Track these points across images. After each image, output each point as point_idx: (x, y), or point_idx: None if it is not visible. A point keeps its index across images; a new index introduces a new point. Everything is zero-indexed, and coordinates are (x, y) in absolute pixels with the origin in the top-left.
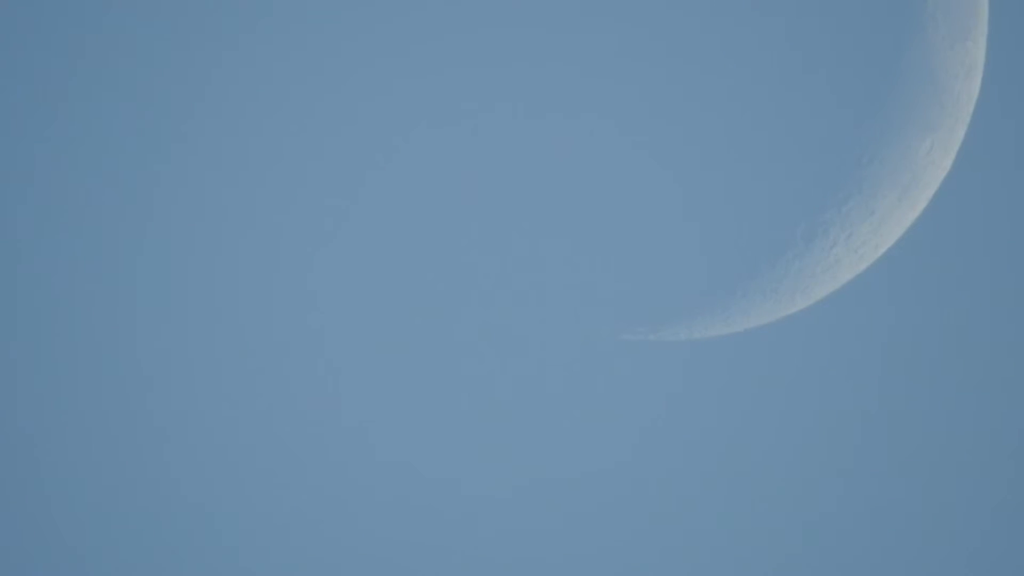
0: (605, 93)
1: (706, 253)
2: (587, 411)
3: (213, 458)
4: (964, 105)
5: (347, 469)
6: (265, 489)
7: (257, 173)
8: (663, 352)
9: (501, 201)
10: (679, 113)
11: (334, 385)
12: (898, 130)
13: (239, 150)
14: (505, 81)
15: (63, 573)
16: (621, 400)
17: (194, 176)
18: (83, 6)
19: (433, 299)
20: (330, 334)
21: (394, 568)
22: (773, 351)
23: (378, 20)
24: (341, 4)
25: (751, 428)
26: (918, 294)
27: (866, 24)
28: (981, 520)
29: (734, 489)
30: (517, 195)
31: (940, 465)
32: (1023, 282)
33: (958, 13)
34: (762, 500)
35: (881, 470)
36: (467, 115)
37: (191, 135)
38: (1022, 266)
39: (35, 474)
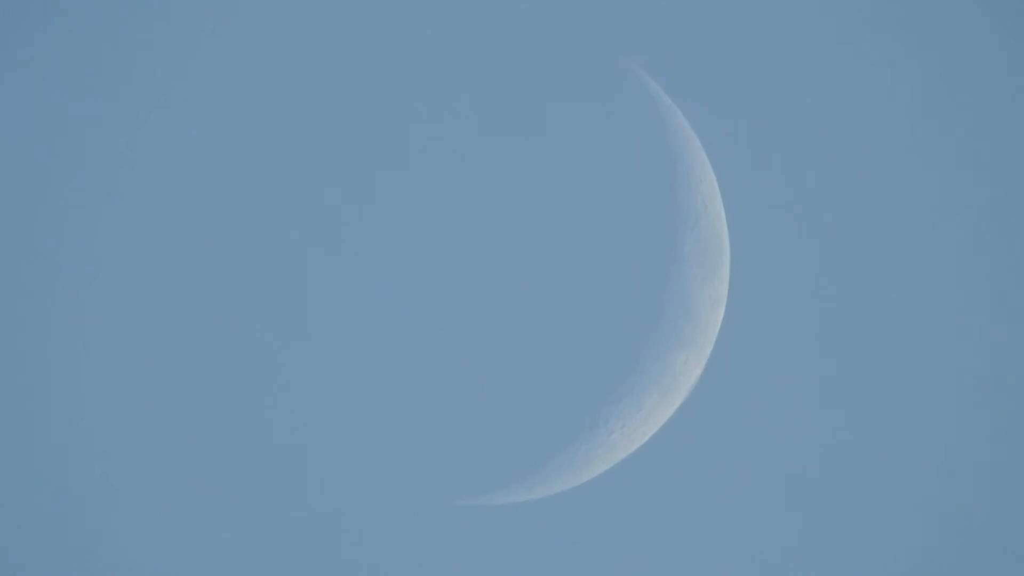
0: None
1: (517, 438)
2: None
3: (212, 459)
4: (711, 328)
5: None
6: (255, 493)
7: (250, 172)
8: (479, 515)
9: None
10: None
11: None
12: (661, 347)
13: (235, 149)
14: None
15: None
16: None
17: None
18: (84, 6)
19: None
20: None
21: None
22: (565, 514)
23: (378, 21)
24: (341, 5)
25: None
26: (678, 473)
27: (635, 264)
28: None
29: None
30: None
31: None
32: (767, 467)
33: (708, 258)
34: None
35: None
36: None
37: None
38: (767, 452)
39: None
